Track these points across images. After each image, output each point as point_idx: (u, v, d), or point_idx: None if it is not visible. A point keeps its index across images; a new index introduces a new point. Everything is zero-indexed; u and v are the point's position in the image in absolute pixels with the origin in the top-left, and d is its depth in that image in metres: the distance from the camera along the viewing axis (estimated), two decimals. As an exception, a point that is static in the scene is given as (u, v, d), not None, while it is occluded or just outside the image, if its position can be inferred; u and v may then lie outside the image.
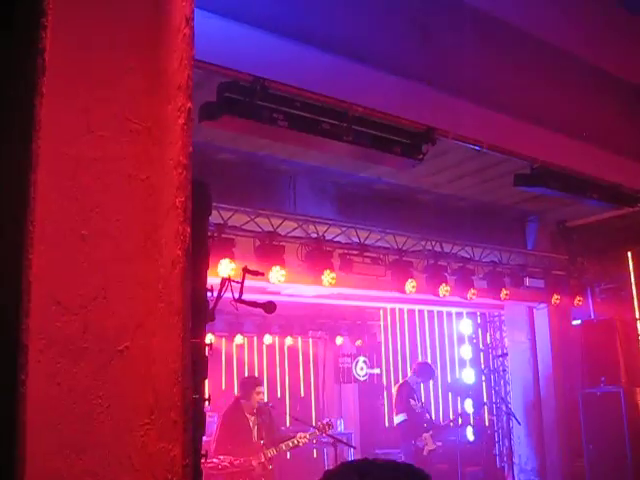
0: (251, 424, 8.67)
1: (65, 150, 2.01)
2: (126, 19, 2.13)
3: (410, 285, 9.18)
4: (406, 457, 10.12)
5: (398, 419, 10.22)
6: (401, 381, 11.30)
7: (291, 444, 8.55)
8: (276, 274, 8.01)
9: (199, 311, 3.70)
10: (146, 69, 2.14)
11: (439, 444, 11.04)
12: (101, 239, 2.03)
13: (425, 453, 9.89)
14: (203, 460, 4.36)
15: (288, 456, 10.23)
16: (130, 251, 2.06)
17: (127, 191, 2.09)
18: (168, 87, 2.15)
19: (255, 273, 5.28)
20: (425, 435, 9.98)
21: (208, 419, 9.84)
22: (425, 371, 10.84)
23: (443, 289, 9.56)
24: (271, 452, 8.44)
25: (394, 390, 10.97)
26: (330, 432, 8.73)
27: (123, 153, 2.11)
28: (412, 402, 10.18)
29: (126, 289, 2.04)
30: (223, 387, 12.28)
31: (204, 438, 7.34)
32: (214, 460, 8.11)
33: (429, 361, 12.82)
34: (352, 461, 1.69)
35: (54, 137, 1.96)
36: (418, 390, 10.64)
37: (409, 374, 11.00)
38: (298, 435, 8.65)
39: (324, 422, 8.99)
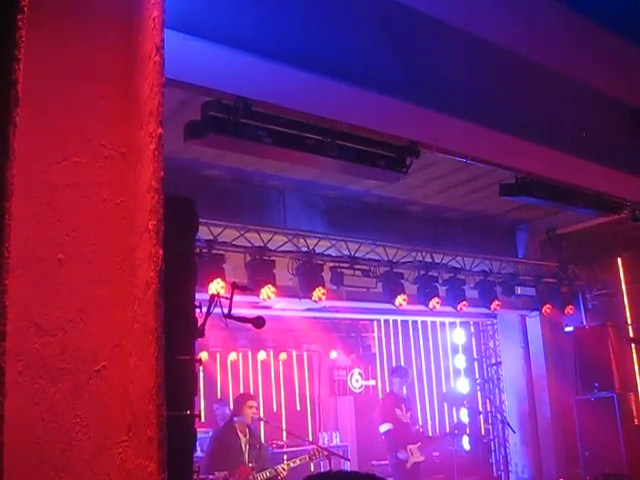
0: (243, 445, 8.65)
1: (40, 177, 2.08)
2: (97, 49, 2.20)
3: (401, 299, 9.25)
4: (391, 468, 10.05)
5: (383, 428, 10.12)
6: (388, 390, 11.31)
7: (274, 472, 8.52)
8: (267, 291, 8.08)
9: (187, 328, 3.75)
10: (118, 97, 2.21)
11: (436, 454, 11.07)
12: (77, 262, 2.09)
13: (409, 465, 9.72)
14: (195, 477, 4.40)
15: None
16: (106, 273, 2.13)
17: (102, 215, 2.15)
18: (140, 114, 2.22)
19: (243, 289, 5.33)
20: (411, 447, 9.84)
21: (203, 435, 9.89)
22: (398, 372, 10.73)
23: (434, 302, 9.61)
24: (262, 476, 8.42)
25: (381, 399, 10.94)
26: (319, 455, 8.77)
27: (98, 178, 2.17)
28: (398, 412, 10.07)
29: (103, 310, 2.10)
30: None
31: (197, 454, 7.33)
32: (210, 477, 8.10)
33: (424, 370, 12.90)
34: (316, 475, 1.74)
35: (29, 164, 2.03)
36: (408, 400, 10.57)
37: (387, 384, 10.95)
38: (281, 466, 8.62)
39: (315, 448, 9.00)
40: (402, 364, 12.55)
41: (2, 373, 1.67)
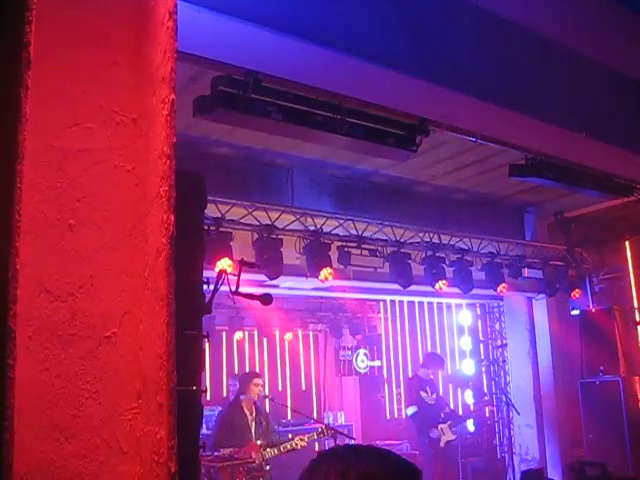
0: (250, 423, 8.69)
1: (52, 142, 2.06)
2: (110, 14, 2.17)
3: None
4: (421, 450, 10.20)
5: (409, 411, 10.31)
6: (411, 374, 11.41)
7: (289, 447, 8.55)
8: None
9: (195, 304, 3.73)
10: (131, 62, 2.19)
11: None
12: (88, 228, 2.07)
13: (442, 444, 9.92)
14: (201, 451, 4.40)
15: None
16: (117, 240, 2.11)
17: (113, 181, 2.13)
18: (152, 79, 2.19)
19: (251, 265, 5.32)
20: (442, 426, 10.00)
21: (208, 412, 9.93)
22: (433, 361, 10.88)
23: (440, 283, 9.58)
24: (269, 453, 8.44)
25: (405, 383, 11.01)
26: (329, 433, 8.80)
27: (109, 144, 2.15)
28: (423, 394, 10.22)
29: (113, 277, 2.08)
30: (224, 380, 12.33)
31: (203, 431, 7.33)
32: (215, 453, 8.14)
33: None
34: (343, 447, 1.66)
35: (41, 129, 2.00)
36: (432, 382, 10.64)
37: (409, 366, 11.03)
38: (297, 438, 8.66)
39: (324, 426, 9.05)
40: (437, 351, 12.49)
41: (13, 336, 1.66)
